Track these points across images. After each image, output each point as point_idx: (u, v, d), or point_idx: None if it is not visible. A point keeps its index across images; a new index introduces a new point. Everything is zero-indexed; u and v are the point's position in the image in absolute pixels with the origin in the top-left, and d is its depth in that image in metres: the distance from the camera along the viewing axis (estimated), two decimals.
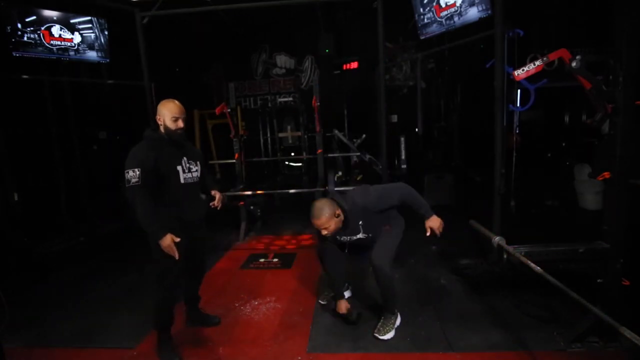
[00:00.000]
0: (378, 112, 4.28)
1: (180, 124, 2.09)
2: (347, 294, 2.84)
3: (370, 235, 2.36)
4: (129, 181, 1.94)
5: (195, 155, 2.23)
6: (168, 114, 2.07)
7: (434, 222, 2.24)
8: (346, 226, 2.29)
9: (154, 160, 1.98)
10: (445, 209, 4.88)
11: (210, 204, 2.42)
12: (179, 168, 2.10)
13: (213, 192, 2.42)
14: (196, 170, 2.20)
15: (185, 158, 2.14)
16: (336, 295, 2.54)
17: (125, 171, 1.95)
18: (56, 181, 4.75)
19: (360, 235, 2.35)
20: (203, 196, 2.36)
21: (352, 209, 2.26)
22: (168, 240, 1.96)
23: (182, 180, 2.10)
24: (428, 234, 2.25)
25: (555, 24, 5.33)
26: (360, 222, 2.30)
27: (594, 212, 4.45)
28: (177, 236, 2.00)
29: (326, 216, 2.18)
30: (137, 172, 1.92)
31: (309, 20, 6.36)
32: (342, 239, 2.38)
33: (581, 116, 6.09)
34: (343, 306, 2.46)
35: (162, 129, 2.09)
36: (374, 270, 2.32)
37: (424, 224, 2.27)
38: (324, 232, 2.22)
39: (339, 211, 2.23)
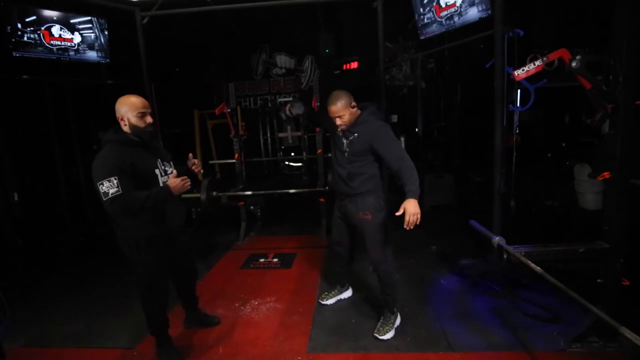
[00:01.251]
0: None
1: (149, 119, 1.86)
2: (347, 293, 2.84)
3: (349, 159, 2.24)
4: (106, 194, 1.67)
5: (166, 156, 2.05)
6: (132, 110, 1.83)
7: (410, 207, 1.92)
8: (351, 125, 2.21)
9: (130, 165, 1.76)
10: (445, 209, 4.89)
11: (193, 169, 2.15)
12: (157, 172, 1.90)
13: (187, 162, 2.15)
14: (171, 172, 1.99)
15: (159, 159, 1.95)
16: None
17: (99, 184, 1.68)
18: (56, 181, 4.76)
19: (346, 141, 2.24)
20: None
21: (360, 119, 2.20)
22: (173, 182, 1.83)
23: (161, 185, 1.91)
24: (399, 214, 1.94)
25: (555, 24, 5.33)
26: (356, 134, 2.20)
27: (594, 212, 4.45)
28: (161, 248, 1.94)
29: (342, 103, 2.14)
30: (115, 181, 1.68)
31: (309, 20, 6.36)
32: (343, 143, 2.27)
33: (581, 116, 6.08)
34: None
35: (127, 129, 1.85)
36: (374, 270, 2.34)
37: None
38: (339, 122, 2.19)
39: (354, 103, 2.19)
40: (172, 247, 2.09)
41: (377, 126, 2.19)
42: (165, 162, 2.00)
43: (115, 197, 1.70)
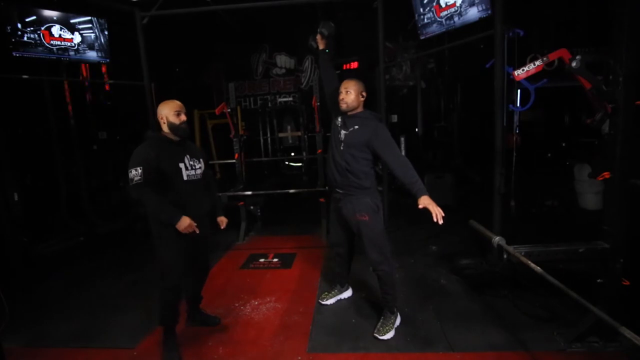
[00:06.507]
0: (378, 112, 4.27)
1: (183, 117, 2.15)
2: (347, 293, 2.84)
3: (344, 151, 2.27)
4: (132, 180, 1.98)
5: (198, 153, 2.26)
6: (169, 110, 2.12)
7: (431, 203, 2.08)
8: (351, 116, 2.29)
9: (155, 158, 2.01)
10: (445, 209, 4.86)
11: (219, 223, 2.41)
12: (182, 165, 2.11)
13: (219, 219, 2.39)
14: (199, 168, 2.21)
15: (187, 155, 2.16)
16: None
17: (129, 170, 1.99)
18: (56, 181, 4.76)
19: (344, 132, 2.29)
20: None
21: (362, 113, 2.30)
22: (187, 221, 2.02)
23: (184, 177, 2.12)
24: (421, 206, 2.08)
25: (555, 24, 5.34)
26: (356, 127, 2.26)
27: (594, 212, 4.45)
28: (181, 237, 2.05)
29: (356, 83, 2.28)
30: (140, 170, 1.96)
31: (309, 21, 6.36)
32: (340, 133, 2.32)
33: (581, 116, 6.09)
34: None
35: (165, 127, 2.13)
36: (374, 270, 2.35)
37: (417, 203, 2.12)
38: (342, 96, 2.28)
39: (365, 94, 2.32)
40: (193, 242, 2.16)
41: (377, 125, 2.24)
42: (194, 159, 2.20)
43: (136, 184, 1.96)
